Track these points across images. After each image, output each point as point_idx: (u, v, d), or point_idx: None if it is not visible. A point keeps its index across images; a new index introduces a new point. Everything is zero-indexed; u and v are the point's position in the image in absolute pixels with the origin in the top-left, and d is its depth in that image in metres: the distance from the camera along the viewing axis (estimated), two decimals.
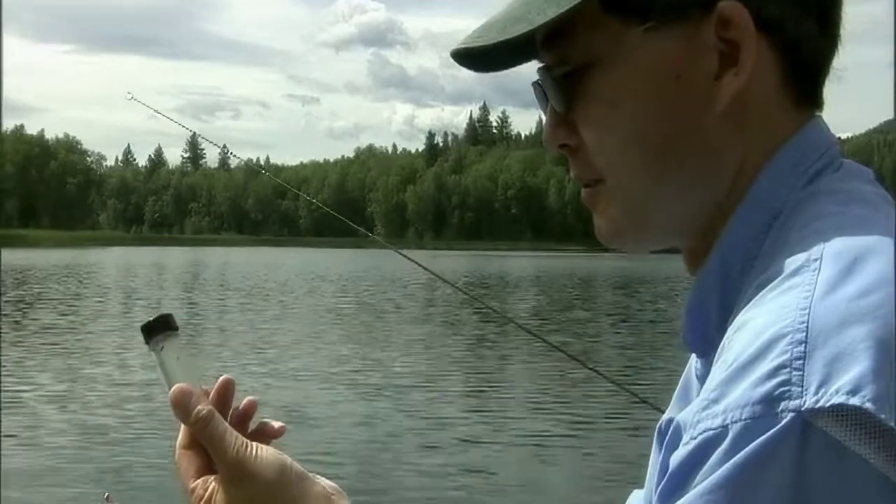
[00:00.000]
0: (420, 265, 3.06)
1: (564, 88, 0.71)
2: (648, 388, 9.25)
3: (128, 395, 9.49)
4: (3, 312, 18.18)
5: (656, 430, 0.69)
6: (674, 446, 0.56)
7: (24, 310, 19.33)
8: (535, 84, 0.75)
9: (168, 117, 4.29)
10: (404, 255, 3.07)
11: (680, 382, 0.80)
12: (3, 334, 14.72)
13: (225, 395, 0.83)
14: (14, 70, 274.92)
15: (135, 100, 4.43)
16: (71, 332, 15.62)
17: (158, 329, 0.82)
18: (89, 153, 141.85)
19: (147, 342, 0.82)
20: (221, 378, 0.84)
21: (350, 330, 16.63)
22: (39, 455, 7.13)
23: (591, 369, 3.05)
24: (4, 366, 11.35)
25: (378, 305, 22.15)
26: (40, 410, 8.89)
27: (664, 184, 0.69)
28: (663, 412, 0.76)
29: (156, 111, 4.28)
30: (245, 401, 0.84)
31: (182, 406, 0.78)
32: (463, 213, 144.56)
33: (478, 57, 0.74)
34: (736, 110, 0.67)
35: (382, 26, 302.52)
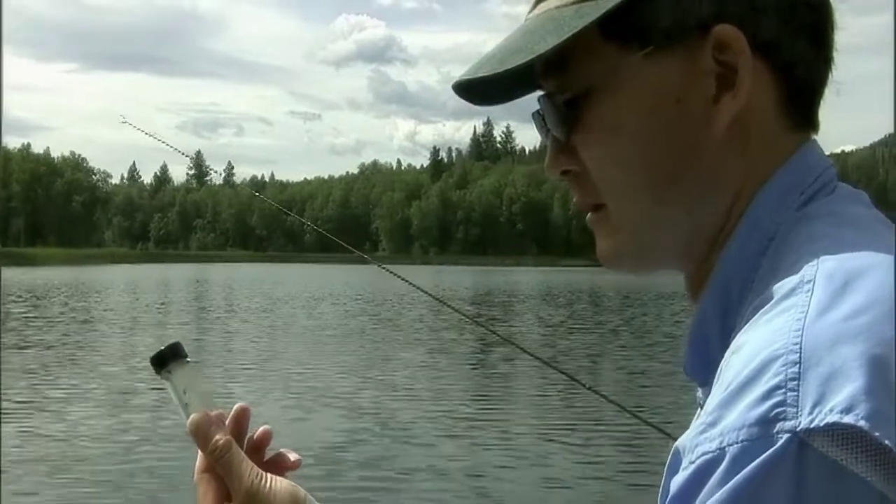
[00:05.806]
0: (418, 287, 2.98)
1: (566, 115, 0.71)
2: (656, 412, 9.13)
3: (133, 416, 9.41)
4: (7, 330, 18.16)
5: (670, 454, 0.69)
6: (674, 471, 0.56)
7: (30, 329, 19.27)
8: (536, 114, 0.76)
9: (161, 140, 4.23)
10: (394, 273, 3.00)
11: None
12: (5, 355, 14.68)
13: (240, 424, 0.85)
14: (20, 89, 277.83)
15: (127, 123, 4.38)
16: (78, 349, 15.57)
17: (167, 358, 0.84)
18: (95, 171, 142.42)
19: (158, 372, 0.84)
20: (237, 406, 0.86)
21: (345, 350, 16.51)
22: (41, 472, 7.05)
23: (602, 396, 2.96)
24: (9, 388, 11.30)
25: (376, 323, 22.04)
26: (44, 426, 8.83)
27: (666, 206, 0.69)
28: (672, 437, 0.74)
29: (147, 133, 4.21)
30: (259, 430, 0.87)
31: (201, 435, 0.81)
32: (468, 229, 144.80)
33: (478, 89, 0.75)
34: (735, 133, 0.67)
35: (381, 43, 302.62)
